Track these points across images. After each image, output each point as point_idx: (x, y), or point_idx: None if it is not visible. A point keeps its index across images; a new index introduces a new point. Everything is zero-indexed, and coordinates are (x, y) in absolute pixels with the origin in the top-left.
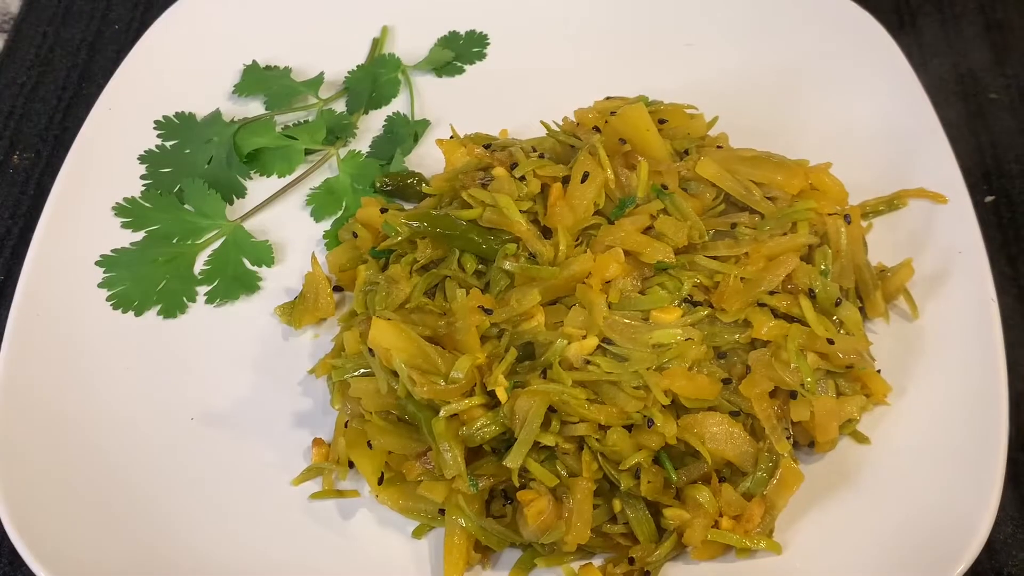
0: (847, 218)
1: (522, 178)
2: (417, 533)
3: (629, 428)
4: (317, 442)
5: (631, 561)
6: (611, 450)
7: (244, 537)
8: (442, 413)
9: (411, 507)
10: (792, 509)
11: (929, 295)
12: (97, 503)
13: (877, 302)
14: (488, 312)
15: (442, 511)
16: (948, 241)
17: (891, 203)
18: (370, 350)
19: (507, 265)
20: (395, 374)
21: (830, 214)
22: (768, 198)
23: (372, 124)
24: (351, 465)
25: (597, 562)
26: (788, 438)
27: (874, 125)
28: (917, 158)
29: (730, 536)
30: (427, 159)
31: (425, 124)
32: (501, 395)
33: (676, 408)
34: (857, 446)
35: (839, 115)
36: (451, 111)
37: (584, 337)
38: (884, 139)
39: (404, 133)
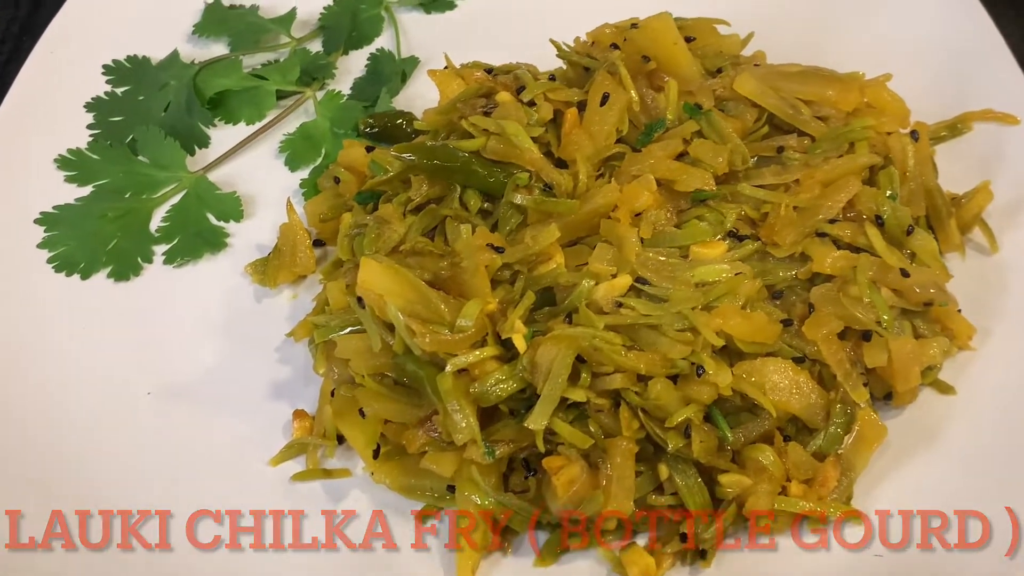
0: (914, 135)
1: (531, 104)
2: (422, 517)
3: (674, 379)
4: (298, 414)
5: (683, 538)
6: (654, 405)
7: (216, 528)
8: (449, 368)
9: (414, 485)
10: (870, 472)
11: (1007, 227)
12: (42, 492)
13: (952, 233)
14: (499, 251)
15: (452, 488)
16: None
17: (954, 128)
18: (359, 300)
19: (518, 199)
20: (390, 327)
21: (890, 133)
22: (818, 118)
23: (352, 65)
24: (340, 440)
25: (641, 542)
26: (865, 385)
27: (929, 42)
28: (979, 77)
29: (802, 504)
30: (417, 100)
31: (414, 62)
32: (519, 344)
33: (728, 355)
34: (940, 398)
35: (888, 32)
36: (442, 51)
37: (614, 276)
38: (941, 57)
39: (390, 71)
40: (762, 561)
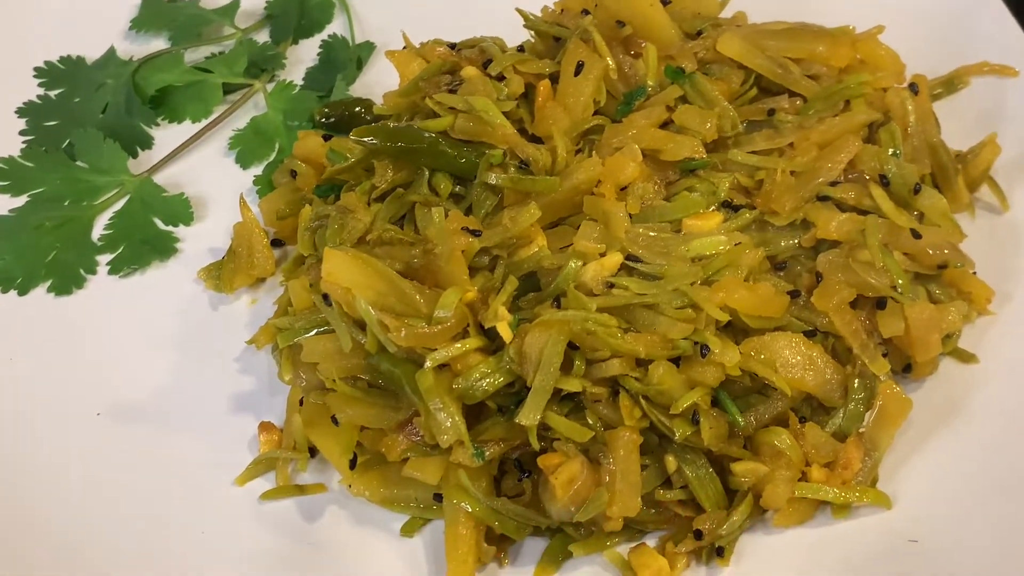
0: (913, 88)
1: (500, 78)
2: (407, 530)
3: (676, 362)
4: (264, 426)
5: (697, 535)
6: (656, 390)
7: (180, 558)
8: (428, 363)
9: (396, 496)
10: (894, 452)
11: (1017, 183)
12: None
13: (960, 191)
14: (475, 234)
15: (438, 497)
16: None
17: (950, 84)
18: (325, 298)
19: (493, 178)
20: (361, 325)
21: (886, 89)
22: (809, 77)
23: (303, 55)
24: (312, 453)
25: (651, 542)
26: (884, 355)
27: None
28: (972, 29)
29: (824, 490)
30: (376, 88)
31: (370, 48)
32: (504, 333)
33: (733, 333)
34: (962, 367)
35: None
36: (399, 35)
37: (603, 255)
38: (930, 10)
39: (344, 59)
40: (785, 554)
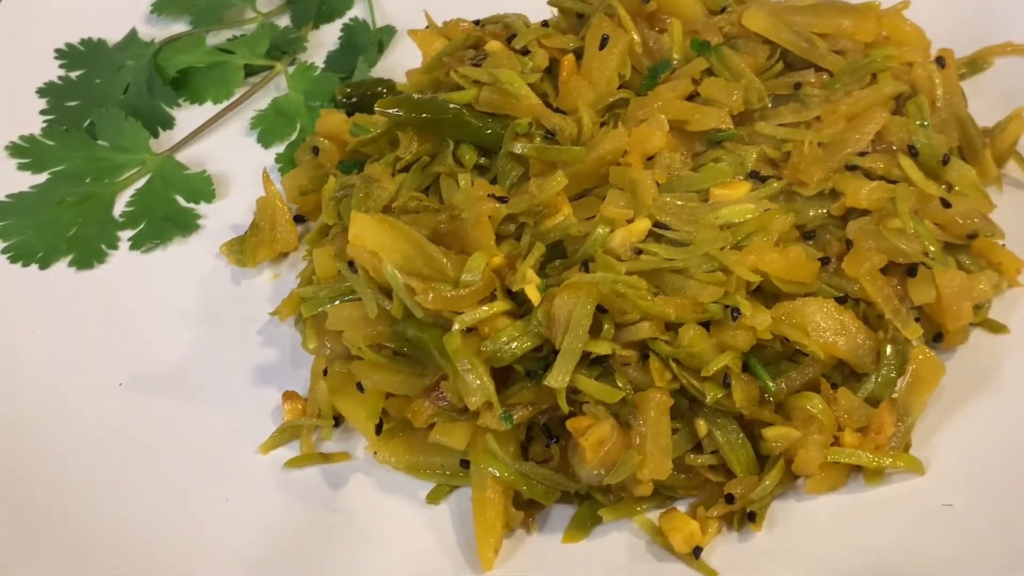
0: (940, 61)
1: (524, 52)
2: (433, 497)
3: (706, 327)
4: (288, 395)
5: (729, 499)
6: (687, 353)
7: (202, 527)
8: (456, 326)
9: (423, 463)
10: (926, 420)
11: None
12: (10, 494)
13: (988, 165)
14: (502, 200)
15: (465, 463)
16: None
17: (974, 64)
18: (350, 265)
19: (519, 148)
20: (387, 292)
21: (912, 64)
22: (835, 52)
23: (324, 39)
24: (337, 422)
25: (682, 508)
26: (917, 320)
27: None
28: (996, 9)
29: (857, 454)
30: (398, 71)
31: (391, 31)
32: (532, 295)
33: (763, 298)
34: (993, 338)
35: None
36: (420, 20)
37: (630, 221)
38: None
39: (365, 42)
40: (819, 519)
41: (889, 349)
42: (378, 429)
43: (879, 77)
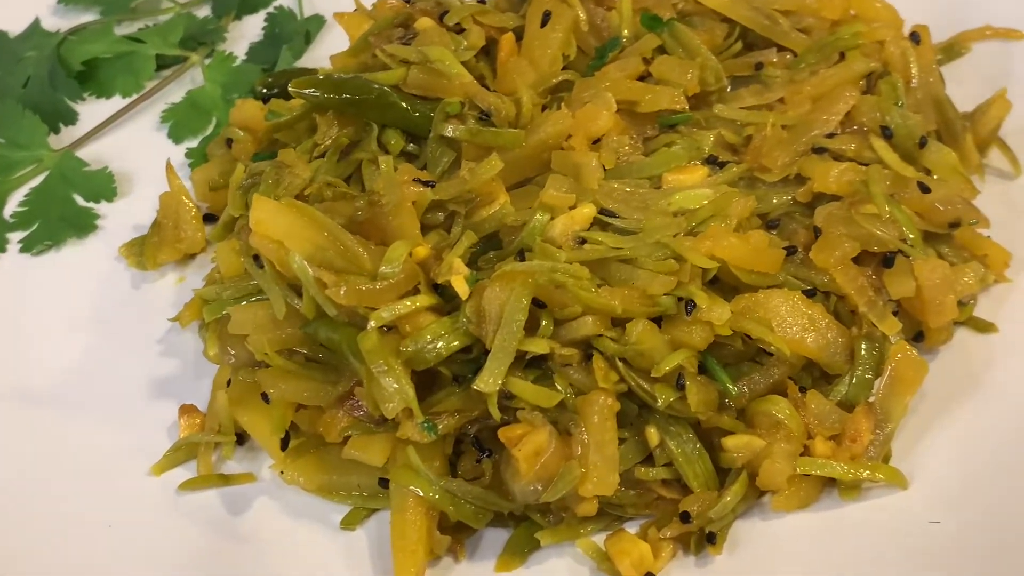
0: (914, 37)
1: (459, 31)
2: (348, 522)
3: (658, 322)
4: (186, 409)
5: (684, 518)
6: (635, 351)
7: (82, 556)
8: (372, 323)
9: (336, 483)
10: (907, 427)
11: None
12: None
13: (969, 150)
14: (429, 185)
15: (384, 483)
16: None
17: (950, 50)
18: (255, 259)
19: (450, 130)
20: (297, 289)
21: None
22: (799, 30)
23: (246, 31)
24: (241, 441)
25: (631, 529)
26: (894, 314)
27: None
28: None
29: (830, 465)
30: (326, 63)
31: (319, 21)
32: (460, 288)
33: (722, 291)
34: (979, 338)
35: None
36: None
37: (572, 208)
38: None
39: (291, 31)
40: (787, 541)
41: (864, 346)
42: (284, 444)
43: (848, 55)
